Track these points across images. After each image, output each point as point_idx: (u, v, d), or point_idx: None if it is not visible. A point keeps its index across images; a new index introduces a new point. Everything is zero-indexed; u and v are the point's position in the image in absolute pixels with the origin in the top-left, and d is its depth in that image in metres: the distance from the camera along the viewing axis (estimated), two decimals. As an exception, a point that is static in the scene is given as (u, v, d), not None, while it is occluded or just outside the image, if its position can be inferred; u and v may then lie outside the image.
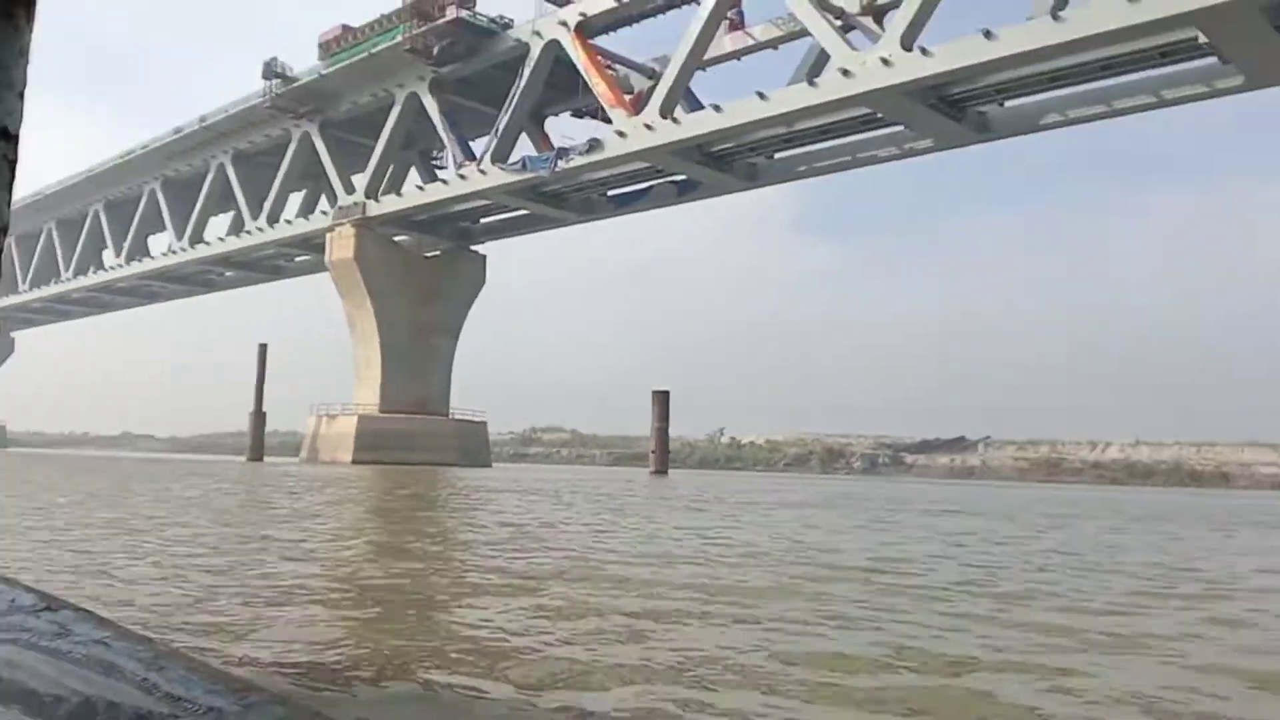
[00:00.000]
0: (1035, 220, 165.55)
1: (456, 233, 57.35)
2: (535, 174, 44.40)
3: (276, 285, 78.65)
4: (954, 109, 35.40)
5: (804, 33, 43.27)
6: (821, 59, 41.33)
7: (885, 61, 32.75)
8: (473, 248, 58.53)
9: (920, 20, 32.54)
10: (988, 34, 30.72)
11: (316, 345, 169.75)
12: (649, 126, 39.56)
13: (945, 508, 21.72)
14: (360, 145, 58.39)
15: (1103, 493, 46.12)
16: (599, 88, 42.15)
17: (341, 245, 53.35)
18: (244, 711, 1.78)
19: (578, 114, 54.49)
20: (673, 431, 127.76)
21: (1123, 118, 35.06)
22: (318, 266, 66.64)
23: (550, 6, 45.50)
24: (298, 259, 68.63)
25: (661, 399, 46.66)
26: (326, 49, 54.35)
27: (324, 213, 56.90)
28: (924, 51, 32.03)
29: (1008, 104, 36.53)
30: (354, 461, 50.02)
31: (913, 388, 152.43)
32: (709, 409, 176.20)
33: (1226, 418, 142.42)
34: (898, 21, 32.89)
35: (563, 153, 43.34)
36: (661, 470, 47.04)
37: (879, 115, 36.31)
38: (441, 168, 62.04)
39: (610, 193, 50.08)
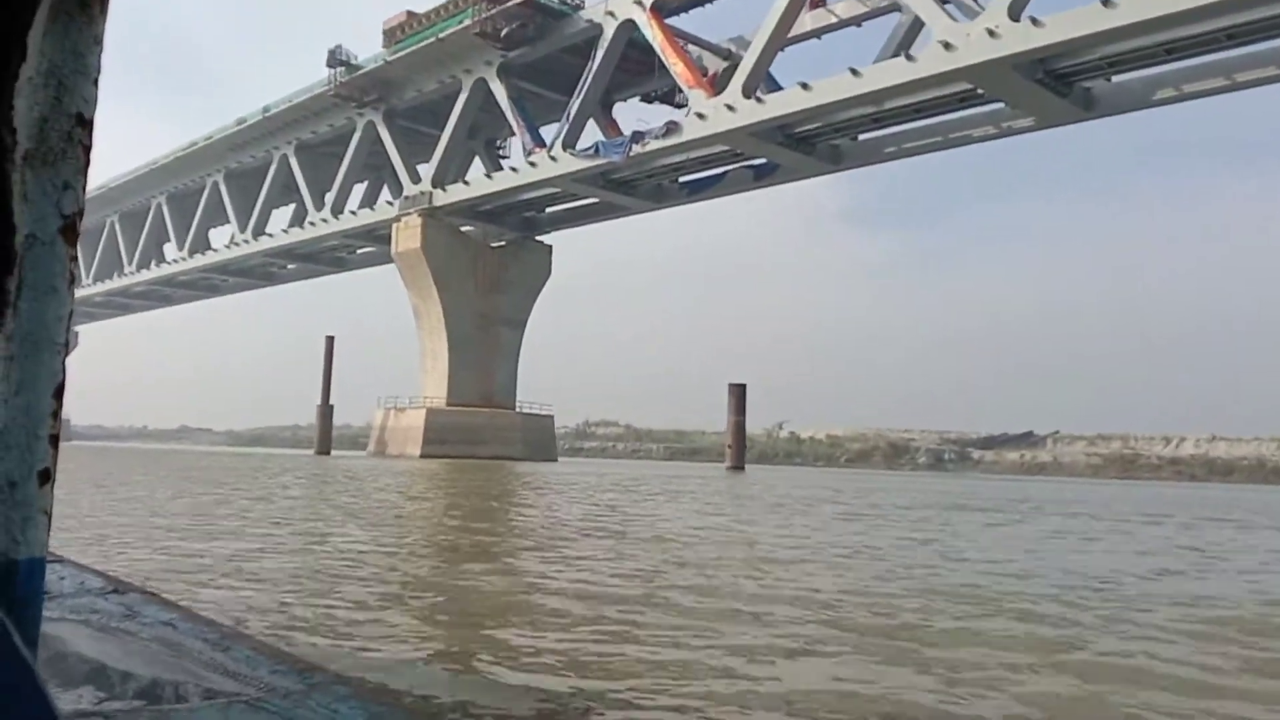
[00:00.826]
0: (1099, 210, 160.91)
1: (521, 222, 56.11)
2: (609, 160, 42.92)
3: (328, 281, 78.32)
4: (1060, 84, 33.35)
5: (890, 8, 41.63)
6: (910, 35, 39.67)
7: (991, 33, 30.78)
8: (538, 238, 57.24)
9: (1029, -13, 30.60)
10: (1106, 1, 28.65)
11: (370, 340, 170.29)
12: (730, 107, 37.88)
13: (1072, 509, 19.84)
14: (424, 134, 57.46)
15: (1195, 490, 43.69)
16: (676, 68, 40.54)
17: (408, 235, 52.33)
18: (308, 690, 1.81)
19: (646, 99, 53.10)
20: (752, 426, 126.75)
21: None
22: (381, 258, 65.94)
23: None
24: (360, 251, 67.92)
25: (738, 392, 44.98)
26: (391, 36, 53.35)
27: (389, 203, 55.97)
28: (1034, 21, 30.04)
29: (1115, 79, 34.49)
30: (422, 455, 49.02)
31: (976, 382, 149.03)
32: (764, 404, 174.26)
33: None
34: (1006, -10, 30.88)
35: (638, 136, 41.79)
36: (738, 465, 45.44)
37: (979, 92, 34.32)
38: (505, 157, 61.04)
39: (682, 179, 48.53)
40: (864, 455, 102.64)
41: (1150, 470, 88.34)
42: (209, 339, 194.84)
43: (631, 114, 76.22)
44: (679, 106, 52.38)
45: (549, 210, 55.63)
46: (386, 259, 65.03)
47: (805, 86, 35.70)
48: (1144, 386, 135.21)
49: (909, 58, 33.05)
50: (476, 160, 59.76)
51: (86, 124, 1.36)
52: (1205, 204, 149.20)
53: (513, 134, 59.10)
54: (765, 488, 26.51)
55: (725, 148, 42.25)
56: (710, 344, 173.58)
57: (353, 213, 58.58)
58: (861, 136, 41.46)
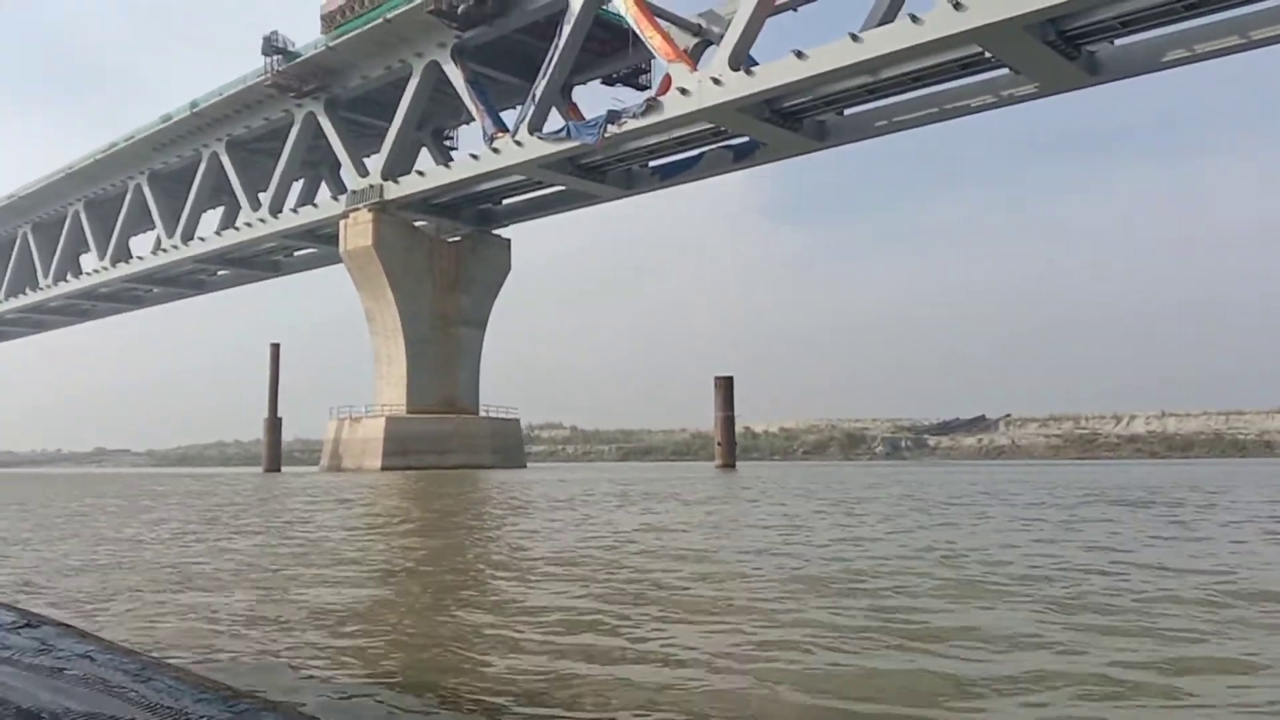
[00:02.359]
0: (1010, 200, 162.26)
1: (478, 215, 52.95)
2: (581, 142, 40.06)
3: (249, 290, 73.91)
4: (1070, 46, 31.55)
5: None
6: (894, 5, 37.68)
7: (1006, -11, 28.78)
8: (496, 231, 54.10)
9: (1046, -60, 28.64)
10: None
11: (309, 348, 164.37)
12: (717, 81, 35.35)
13: (1078, 495, 17.58)
14: (368, 126, 54.03)
15: (1164, 468, 42.41)
16: (654, 42, 37.88)
17: (358, 232, 48.78)
18: (235, 718, 1.78)
19: (607, 81, 50.47)
20: (679, 423, 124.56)
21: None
22: (323, 259, 62.28)
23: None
24: (299, 253, 64.03)
25: (725, 385, 42.47)
26: (330, 21, 49.65)
27: (334, 199, 52.29)
28: (1054, -25, 28.05)
29: (1118, 42, 32.85)
30: (383, 468, 45.63)
31: (919, 369, 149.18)
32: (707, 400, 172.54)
33: (1248, 385, 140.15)
34: (1019, -58, 28.89)
35: (614, 116, 39.00)
36: (729, 463, 42.97)
37: (986, 55, 32.32)
38: (453, 148, 57.80)
39: (653, 164, 45.93)
40: (820, 447, 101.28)
41: (1109, 449, 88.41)
42: (123, 356, 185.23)
43: (592, 98, 72.72)
44: (642, 89, 49.99)
45: (507, 202, 52.57)
46: (328, 260, 61.43)
47: (800, 55, 33.31)
48: (1088, 366, 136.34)
49: (914, 19, 30.83)
50: (424, 153, 56.29)
51: None
52: (1100, 193, 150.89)
53: (464, 122, 56.19)
54: (778, 486, 24.02)
55: (705, 126, 39.78)
56: (648, 341, 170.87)
57: (294, 211, 54.74)
58: (848, 111, 39.41)
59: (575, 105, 48.96)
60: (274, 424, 52.34)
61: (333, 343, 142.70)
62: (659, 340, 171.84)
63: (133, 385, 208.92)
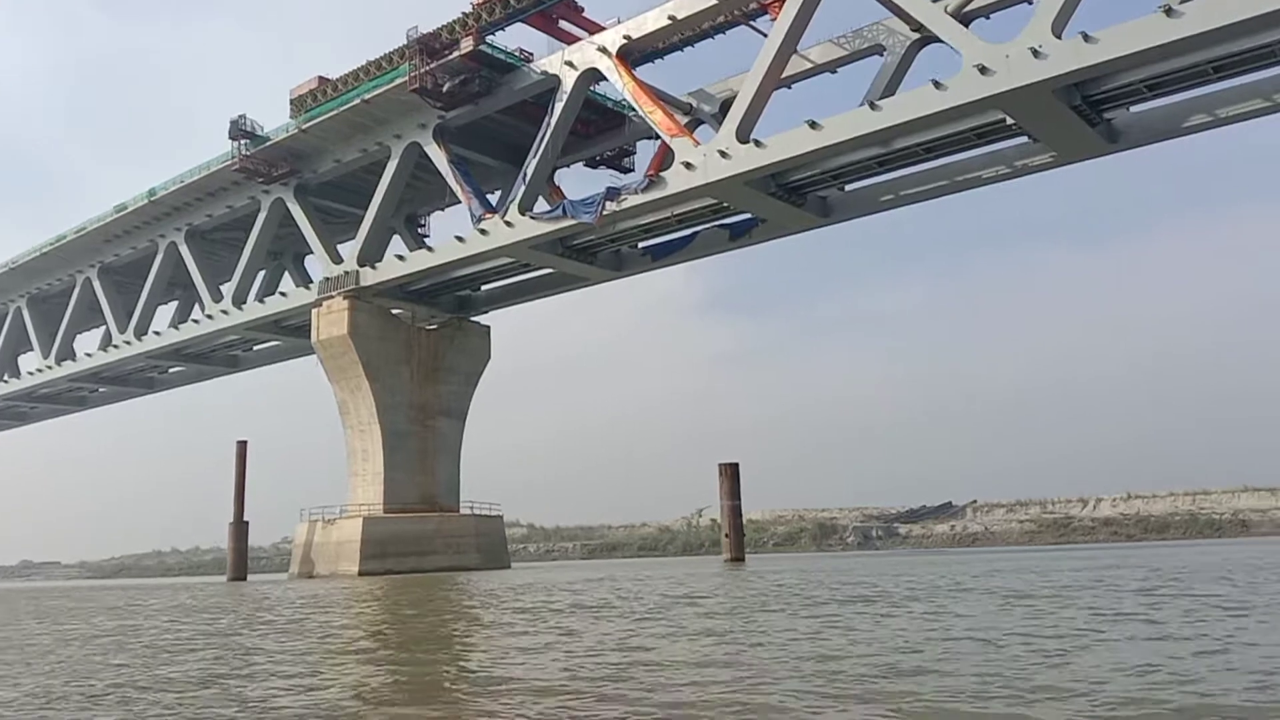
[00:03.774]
0: (930, 293, 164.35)
1: (455, 302, 50.72)
2: (577, 220, 38.33)
3: (174, 394, 70.26)
4: (1093, 111, 30.84)
5: (871, 51, 39.13)
6: (895, 79, 37.09)
7: (1035, 52, 28.00)
8: (474, 318, 51.84)
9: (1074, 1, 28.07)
10: (1169, 11, 26.17)
11: (263, 450, 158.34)
12: (724, 154, 34.01)
13: (1122, 589, 15.76)
14: (337, 212, 52.05)
15: (1168, 551, 40.96)
16: (654, 116, 36.58)
17: (331, 320, 46.20)
18: None
19: (591, 164, 49.18)
20: (645, 518, 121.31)
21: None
22: (283, 353, 59.45)
23: (568, 44, 40.24)
24: (258, 347, 61.02)
25: (731, 472, 40.13)
26: (300, 105, 47.91)
27: (305, 287, 49.71)
28: (1086, 37, 27.31)
29: (1135, 109, 32.33)
30: (361, 573, 42.27)
31: (873, 460, 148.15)
32: (680, 493, 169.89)
33: (1207, 463, 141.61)
34: (1047, 5, 28.23)
35: (612, 193, 37.42)
36: (738, 556, 40.38)
37: (1006, 124, 31.42)
38: (426, 235, 55.88)
39: (644, 244, 44.37)
40: (791, 538, 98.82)
41: (1084, 533, 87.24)
42: (47, 463, 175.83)
43: (576, 181, 71.20)
44: (625, 171, 48.81)
45: (486, 288, 50.48)
46: (291, 353, 58.71)
47: (814, 125, 32.15)
48: (1043, 450, 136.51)
49: (937, 85, 29.88)
50: (395, 239, 54.23)
51: None
52: (1033, 278, 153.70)
53: (438, 208, 54.52)
54: (808, 582, 21.79)
55: (703, 204, 38.38)
56: (594, 439, 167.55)
57: (260, 301, 52.01)
58: (849, 186, 38.38)
59: (558, 187, 47.47)
60: (240, 529, 48.56)
61: (296, 442, 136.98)
62: (600, 434, 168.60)
63: (59, 494, 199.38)
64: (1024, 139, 33.01)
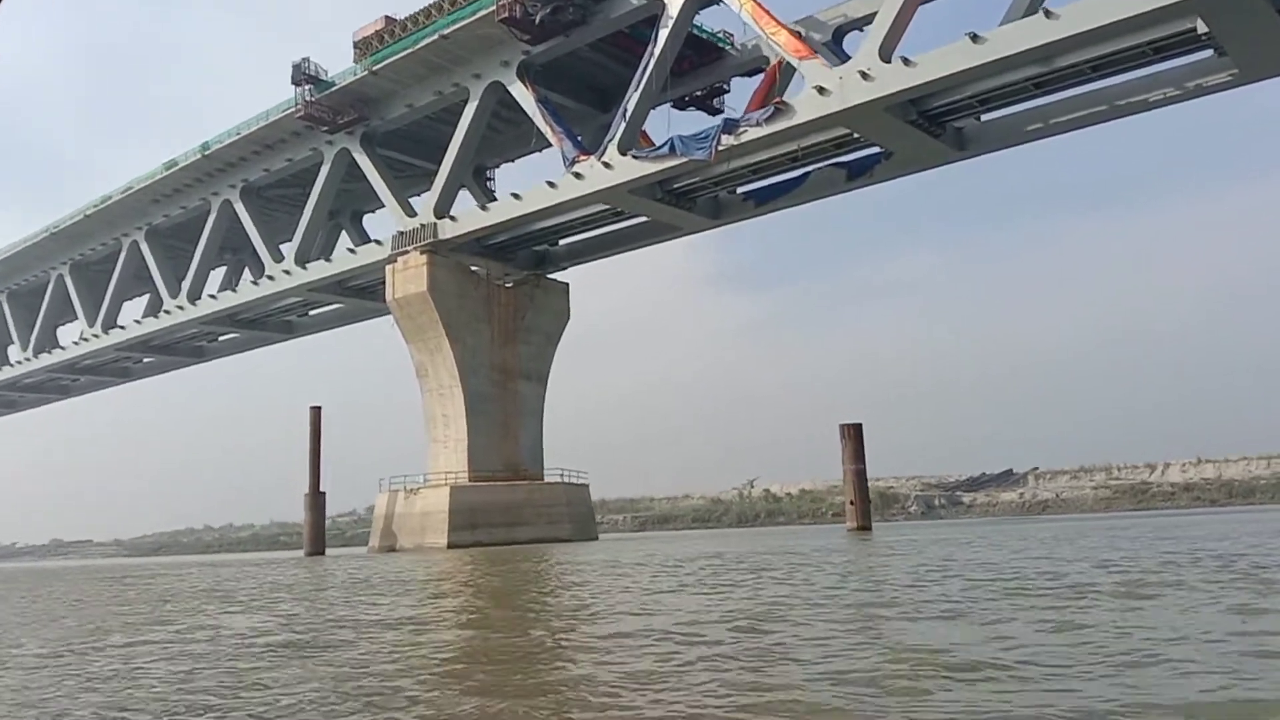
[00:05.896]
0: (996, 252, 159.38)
1: (532, 258, 47.46)
2: (689, 158, 34.95)
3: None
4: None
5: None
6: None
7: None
8: (550, 275, 48.56)
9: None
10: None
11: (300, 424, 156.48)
12: (865, 75, 30.55)
13: None
14: (402, 164, 48.86)
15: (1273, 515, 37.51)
16: (779, 38, 33.14)
17: (408, 277, 43.04)
18: None
19: (679, 105, 45.62)
20: (690, 488, 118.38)
21: None
22: (344, 316, 56.57)
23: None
24: (314, 311, 57.98)
25: (854, 434, 36.77)
26: (365, 47, 44.63)
27: (376, 242, 46.49)
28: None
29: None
30: (450, 545, 39.37)
31: (917, 429, 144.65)
32: (724, 462, 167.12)
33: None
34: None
35: (730, 125, 34.00)
36: (865, 525, 37.20)
37: (1192, 34, 27.88)
38: (493, 190, 52.59)
39: (745, 188, 41.03)
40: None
41: (1164, 498, 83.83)
42: (68, 441, 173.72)
43: (658, 122, 66.16)
44: (715, 112, 45.24)
45: (565, 242, 47.22)
46: (352, 316, 56.12)
47: (975, 38, 28.65)
48: (1099, 416, 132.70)
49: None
50: (462, 194, 50.93)
51: None
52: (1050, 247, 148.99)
53: (509, 159, 51.28)
54: (1014, 554, 18.55)
55: (826, 138, 34.98)
56: (614, 413, 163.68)
57: (326, 260, 48.86)
58: (986, 116, 34.93)
59: (644, 132, 44.05)
60: (317, 499, 45.51)
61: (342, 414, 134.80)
62: (621, 407, 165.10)
63: (86, 472, 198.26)
64: (1205, 53, 29.52)
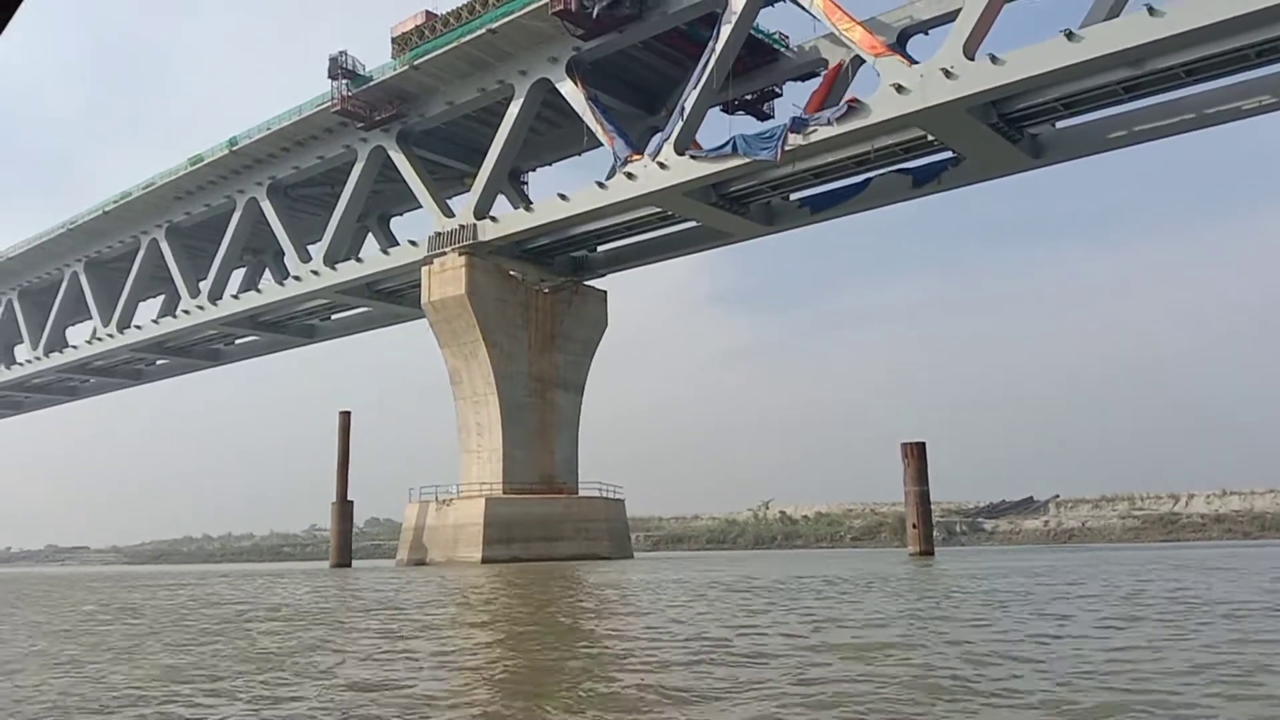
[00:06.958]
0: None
1: (570, 264, 45.86)
2: (753, 158, 33.37)
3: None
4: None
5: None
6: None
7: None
8: (587, 282, 46.89)
9: None
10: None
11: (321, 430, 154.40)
12: (948, 73, 29.00)
13: None
14: (437, 165, 47.27)
15: None
16: (853, 34, 31.60)
17: (445, 280, 41.38)
18: None
19: (727, 109, 44.08)
20: (697, 509, 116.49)
21: None
22: (370, 321, 54.90)
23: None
24: (337, 315, 56.30)
25: (917, 453, 35.10)
26: (403, 43, 43.14)
27: (412, 243, 44.81)
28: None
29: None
30: (484, 559, 37.52)
31: (939, 453, 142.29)
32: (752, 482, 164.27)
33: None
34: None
35: (799, 124, 32.41)
36: (928, 550, 35.42)
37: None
38: (529, 194, 50.98)
39: (800, 195, 39.48)
40: (869, 532, 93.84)
41: (1194, 530, 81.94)
42: (62, 447, 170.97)
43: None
44: (765, 117, 43.71)
45: (604, 248, 45.61)
46: (378, 321, 54.50)
47: (1071, 36, 27.12)
48: (1110, 445, 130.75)
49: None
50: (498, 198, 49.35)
51: None
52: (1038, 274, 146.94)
53: (546, 162, 49.70)
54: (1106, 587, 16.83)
55: (897, 140, 33.45)
56: (620, 431, 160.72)
57: (358, 260, 47.16)
58: (1061, 124, 33.41)
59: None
60: (344, 509, 43.57)
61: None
62: (625, 427, 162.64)
63: (82, 477, 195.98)
64: (1309, 58, 28.01)
